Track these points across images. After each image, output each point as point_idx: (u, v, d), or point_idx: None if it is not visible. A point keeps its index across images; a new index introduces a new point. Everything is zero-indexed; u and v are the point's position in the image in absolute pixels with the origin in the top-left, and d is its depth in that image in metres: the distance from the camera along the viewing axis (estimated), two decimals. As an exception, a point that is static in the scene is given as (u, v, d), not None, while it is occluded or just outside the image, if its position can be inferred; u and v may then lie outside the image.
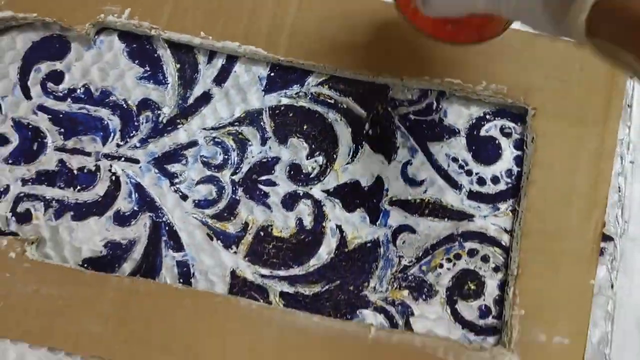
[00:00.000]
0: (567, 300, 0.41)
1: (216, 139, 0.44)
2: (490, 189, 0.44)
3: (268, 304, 0.42)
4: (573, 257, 0.41)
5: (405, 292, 0.42)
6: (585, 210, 0.42)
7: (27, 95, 0.45)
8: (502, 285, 0.43)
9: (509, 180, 0.44)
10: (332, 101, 0.44)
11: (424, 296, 0.42)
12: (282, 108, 0.44)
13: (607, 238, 0.43)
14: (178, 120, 0.44)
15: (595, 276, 0.41)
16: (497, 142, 0.44)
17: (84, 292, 0.40)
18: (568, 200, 0.42)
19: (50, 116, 0.44)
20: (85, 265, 0.43)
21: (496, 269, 0.43)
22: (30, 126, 0.44)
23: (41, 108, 0.44)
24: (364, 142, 0.44)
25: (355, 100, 0.45)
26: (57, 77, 0.45)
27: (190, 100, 0.45)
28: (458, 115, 0.44)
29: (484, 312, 0.42)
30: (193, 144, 0.44)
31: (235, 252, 0.43)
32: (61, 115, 0.44)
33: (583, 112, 0.43)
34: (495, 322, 0.42)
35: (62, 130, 0.44)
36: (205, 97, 0.45)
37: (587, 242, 0.42)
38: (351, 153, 0.44)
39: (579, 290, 0.41)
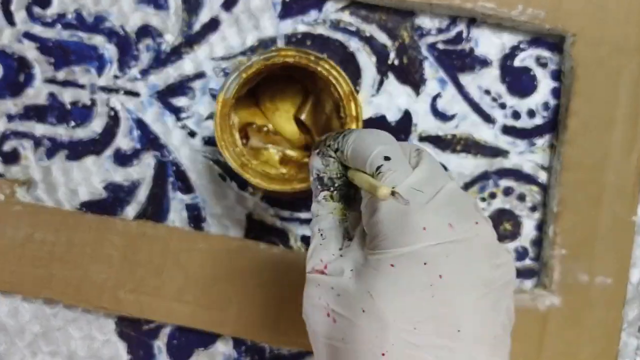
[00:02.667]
0: (609, 237, 0.38)
1: (226, 70, 0.40)
2: (526, 123, 0.41)
3: (288, 249, 0.38)
4: (614, 192, 0.39)
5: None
6: (626, 142, 0.39)
7: (11, 21, 0.39)
8: (540, 226, 0.40)
9: (545, 113, 0.41)
10: (354, 28, 0.41)
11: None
12: (299, 36, 0.40)
13: (646, 174, 0.40)
14: (183, 49, 0.40)
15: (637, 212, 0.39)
16: (532, 73, 0.41)
17: (84, 237, 0.36)
18: (609, 132, 0.39)
19: (37, 44, 0.39)
20: (84, 209, 0.38)
21: (533, 208, 0.40)
22: (15, 56, 0.39)
23: (27, 35, 0.39)
24: (389, 73, 0.40)
25: (378, 28, 0.41)
26: (44, 0, 0.40)
27: (196, 27, 0.40)
28: (490, 45, 0.41)
29: (521, 254, 0.40)
30: (200, 75, 0.40)
31: (251, 194, 0.39)
32: (50, 44, 0.39)
33: (623, 38, 0.40)
34: (533, 264, 0.40)
35: (52, 60, 0.39)
36: (213, 24, 0.40)
37: (629, 176, 0.39)
38: (375, 85, 0.40)
39: (620, 227, 0.39)
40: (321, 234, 0.23)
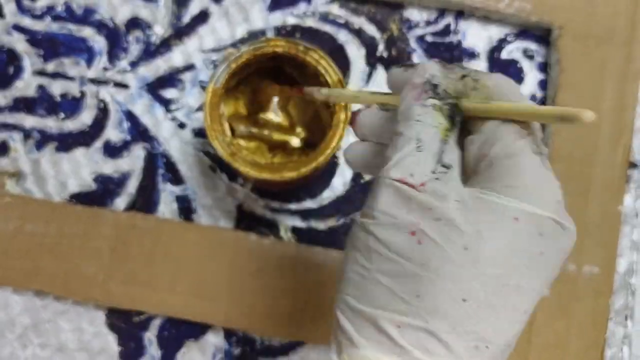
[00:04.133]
0: (596, 227, 0.39)
1: (216, 62, 0.40)
2: (512, 115, 0.41)
3: (279, 240, 0.38)
4: (601, 183, 0.39)
5: (426, 225, 0.39)
6: (612, 134, 0.40)
7: (0, 14, 0.39)
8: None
9: (532, 105, 0.41)
10: (343, 21, 0.41)
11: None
12: (289, 28, 0.40)
13: (632, 165, 0.40)
14: (172, 41, 0.40)
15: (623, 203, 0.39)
16: (519, 65, 0.41)
17: (74, 228, 0.36)
18: (596, 124, 0.40)
19: (27, 37, 0.39)
20: (73, 201, 0.38)
21: (520, 199, 0.40)
22: (4, 48, 0.39)
23: (16, 28, 0.39)
24: (377, 65, 0.41)
25: (367, 20, 0.41)
26: (33, -8, 0.40)
27: (186, 19, 0.40)
28: (477, 37, 0.41)
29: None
30: (190, 67, 0.40)
31: (242, 185, 0.39)
32: (39, 36, 0.39)
33: (609, 31, 0.40)
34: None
35: (41, 52, 0.39)
36: (202, 16, 0.40)
37: (615, 168, 0.39)
38: (364, 76, 0.41)
39: (607, 218, 0.39)
40: (418, 145, 0.20)
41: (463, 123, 0.22)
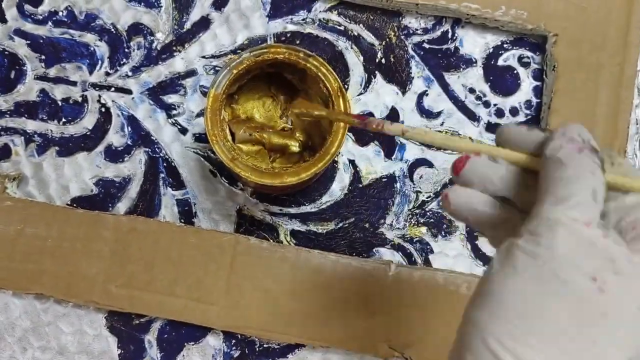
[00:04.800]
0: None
1: (217, 68, 0.41)
2: (509, 120, 0.42)
3: (278, 244, 0.39)
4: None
5: (424, 229, 0.40)
6: (606, 139, 0.40)
7: (2, 19, 0.40)
8: (523, 220, 0.41)
9: (528, 111, 0.42)
10: (342, 28, 0.41)
11: (443, 232, 0.40)
12: (289, 35, 0.41)
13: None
14: (174, 47, 0.40)
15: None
16: (515, 72, 0.42)
17: (76, 232, 0.36)
18: (590, 130, 0.40)
19: (28, 41, 0.40)
20: (75, 205, 0.39)
21: (516, 203, 0.41)
22: (6, 52, 0.39)
23: (18, 32, 0.40)
24: (376, 72, 0.41)
25: (366, 28, 0.42)
26: (35, -3, 0.40)
27: (187, 26, 0.41)
28: (474, 44, 0.42)
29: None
30: (191, 72, 0.40)
31: (241, 189, 0.40)
32: (41, 41, 0.40)
33: (603, 38, 0.41)
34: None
35: (43, 57, 0.40)
36: (204, 23, 0.41)
37: (610, 173, 0.40)
38: (363, 83, 0.41)
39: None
40: (594, 196, 0.20)
41: None
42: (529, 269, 0.20)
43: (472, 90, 0.42)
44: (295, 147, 0.37)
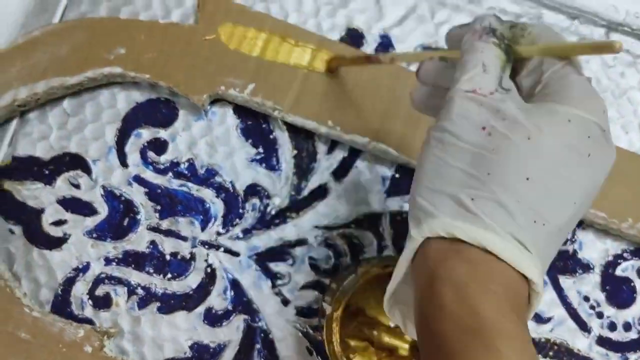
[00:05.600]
0: None
1: (328, 240, 0.40)
2: (620, 335, 0.40)
3: None
4: None
5: None
6: None
7: (124, 163, 0.39)
8: None
9: (643, 329, 0.40)
10: (460, 215, 0.40)
11: None
12: (405, 215, 0.40)
13: None
14: (288, 213, 0.40)
15: None
16: (632, 284, 0.40)
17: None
18: None
19: (146, 189, 0.39)
20: (167, 368, 0.37)
21: None
22: (122, 198, 0.39)
23: (137, 179, 0.39)
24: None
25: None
26: (159, 146, 0.40)
27: (305, 193, 0.40)
28: (594, 249, 0.40)
29: None
30: (302, 242, 0.39)
31: (338, 375, 0.38)
32: (159, 190, 0.39)
33: None
34: None
35: (159, 207, 0.39)
36: (322, 191, 0.40)
37: None
38: (475, 276, 0.40)
39: None
40: (484, 67, 0.25)
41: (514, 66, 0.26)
42: (435, 139, 0.25)
43: (586, 298, 0.40)
44: (405, 350, 0.36)
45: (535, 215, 0.23)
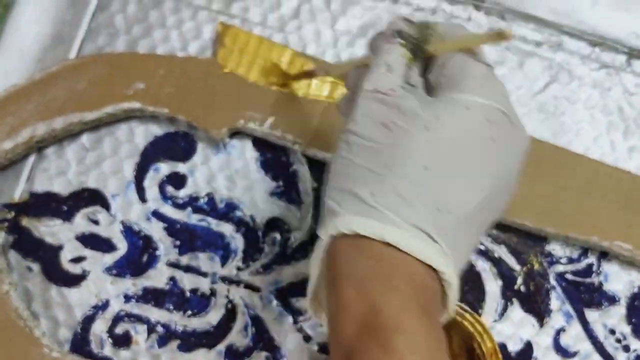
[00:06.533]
0: None
1: (350, 275, 0.39)
2: (648, 372, 0.39)
3: None
4: None
5: None
6: None
7: (142, 198, 0.39)
8: None
9: (670, 364, 0.39)
10: (483, 247, 0.40)
11: None
12: (427, 248, 0.39)
13: None
14: (309, 248, 0.39)
15: None
16: (659, 317, 0.40)
17: None
18: None
19: (165, 225, 0.39)
20: (188, 408, 0.37)
21: None
22: (141, 234, 0.39)
23: (156, 214, 0.39)
24: (514, 299, 0.39)
25: (508, 250, 0.40)
26: (178, 180, 0.39)
27: (325, 226, 0.39)
28: (619, 281, 0.40)
29: None
30: (323, 277, 0.39)
31: (361, 413, 0.37)
32: (178, 226, 0.39)
33: None
34: None
35: (178, 242, 0.39)
36: (342, 225, 0.39)
37: None
38: (499, 309, 0.39)
39: None
40: (387, 66, 0.25)
41: (425, 64, 0.27)
42: (341, 143, 0.25)
43: (612, 332, 0.39)
44: None
45: (438, 204, 0.23)
